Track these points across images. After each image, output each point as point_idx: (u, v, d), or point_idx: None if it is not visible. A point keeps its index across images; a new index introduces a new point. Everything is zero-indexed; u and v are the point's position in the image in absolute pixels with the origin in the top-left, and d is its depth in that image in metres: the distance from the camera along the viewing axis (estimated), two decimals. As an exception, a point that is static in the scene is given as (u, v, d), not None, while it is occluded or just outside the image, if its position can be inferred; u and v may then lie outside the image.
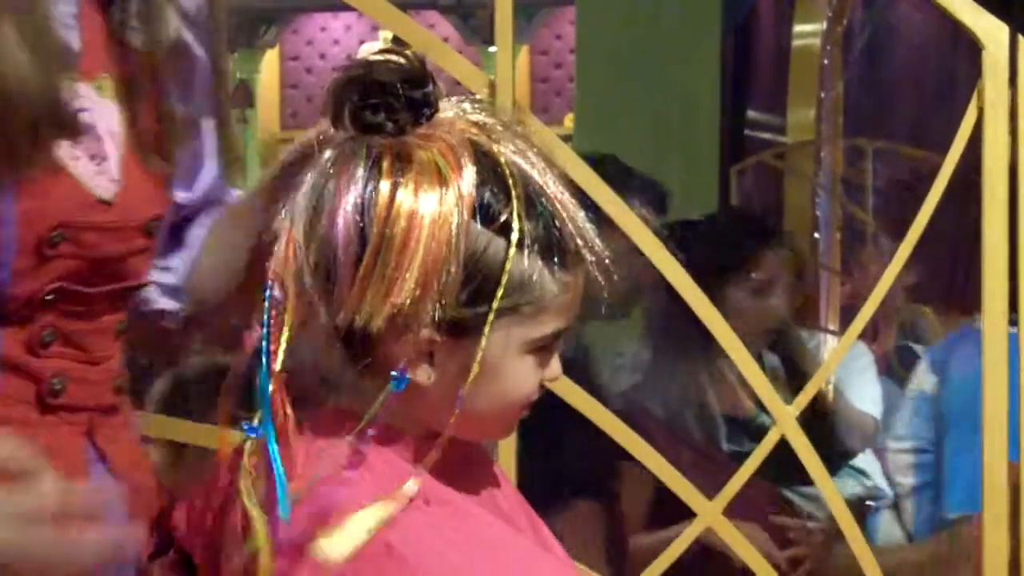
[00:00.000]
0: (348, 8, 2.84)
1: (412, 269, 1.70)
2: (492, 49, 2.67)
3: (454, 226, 1.71)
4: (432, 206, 1.70)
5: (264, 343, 1.78)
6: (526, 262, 1.76)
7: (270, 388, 1.75)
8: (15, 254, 1.84)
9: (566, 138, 3.16)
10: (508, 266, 1.75)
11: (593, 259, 1.81)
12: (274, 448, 1.74)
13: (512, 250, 1.74)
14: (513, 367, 1.82)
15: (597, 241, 1.82)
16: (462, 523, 1.82)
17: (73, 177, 1.88)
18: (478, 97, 1.86)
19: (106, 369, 2.02)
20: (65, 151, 1.86)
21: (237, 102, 10.18)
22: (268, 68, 11.06)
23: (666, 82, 5.05)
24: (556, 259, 1.79)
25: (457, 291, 1.73)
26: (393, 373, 1.76)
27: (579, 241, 1.80)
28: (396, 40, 2.68)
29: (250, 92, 10.97)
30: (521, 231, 1.74)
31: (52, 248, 1.86)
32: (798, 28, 6.83)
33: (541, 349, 1.83)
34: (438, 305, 1.72)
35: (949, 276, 6.75)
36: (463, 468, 1.91)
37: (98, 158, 1.91)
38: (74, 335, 1.94)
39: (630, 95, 5.00)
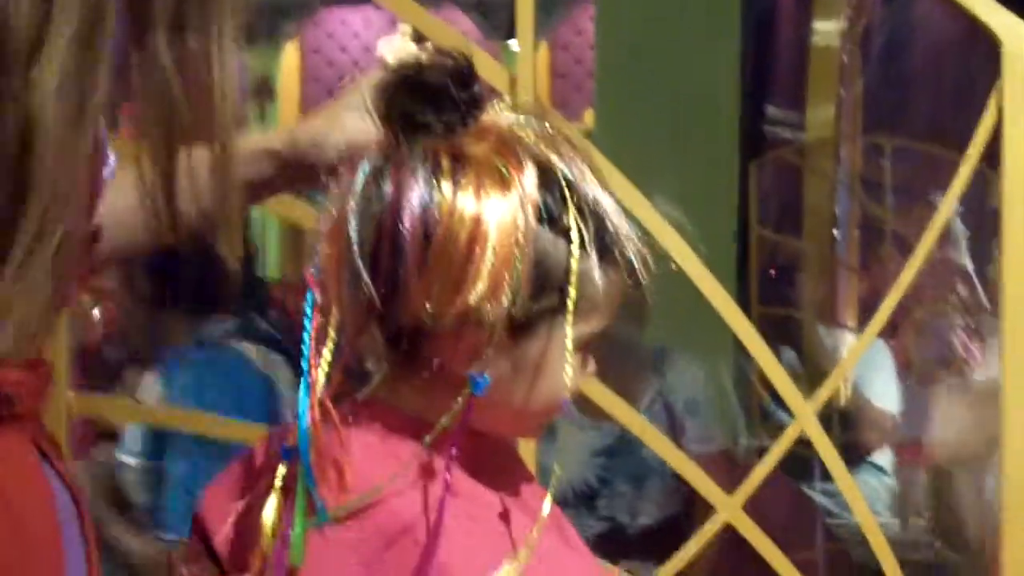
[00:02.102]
0: (368, 1, 2.85)
1: (482, 269, 1.70)
2: (512, 44, 2.66)
3: (522, 227, 1.71)
4: (497, 207, 1.71)
5: (305, 357, 1.78)
6: (587, 263, 1.77)
7: (310, 412, 1.76)
8: None
9: (586, 134, 3.15)
10: (575, 266, 1.75)
11: (635, 256, 1.82)
12: (309, 477, 1.74)
13: (576, 249, 1.75)
14: (564, 364, 1.81)
15: (636, 239, 1.83)
16: (491, 518, 1.83)
17: None
18: (506, 97, 1.86)
19: (45, 373, 2.02)
20: None
21: (258, 97, 10.20)
22: (288, 61, 11.07)
23: (686, 78, 5.05)
24: (608, 260, 1.80)
25: (526, 291, 1.74)
26: (471, 375, 1.75)
27: (622, 239, 1.81)
28: (416, 34, 2.68)
29: (270, 87, 11.01)
30: (580, 231, 1.75)
31: None
32: (818, 25, 6.83)
33: (585, 346, 1.84)
34: (513, 300, 1.72)
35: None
36: (498, 465, 1.92)
37: None
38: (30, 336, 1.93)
39: (650, 91, 5.00)
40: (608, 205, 1.80)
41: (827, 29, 6.57)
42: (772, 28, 7.62)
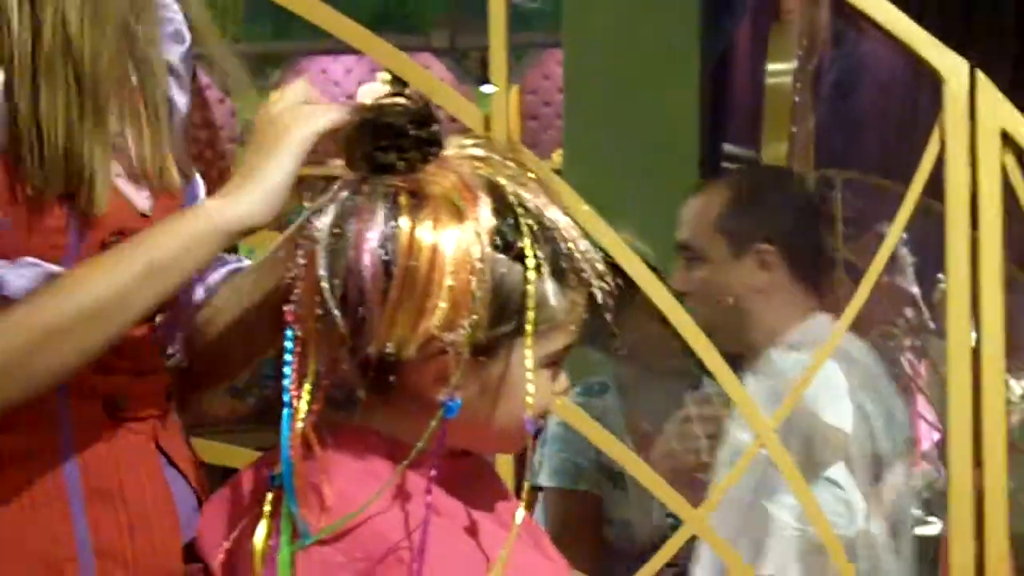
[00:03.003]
0: (348, 51, 2.86)
1: (441, 298, 1.72)
2: (484, 89, 2.67)
3: (478, 256, 1.73)
4: (453, 238, 1.72)
5: (286, 389, 1.80)
6: (542, 285, 1.78)
7: (292, 441, 1.78)
8: (81, 255, 1.91)
9: (556, 171, 3.16)
10: (531, 290, 1.76)
11: (596, 278, 1.83)
12: (292, 503, 1.76)
13: (531, 275, 1.76)
14: (535, 382, 1.82)
15: (598, 261, 1.84)
16: (470, 534, 1.84)
17: (122, 194, 1.94)
18: (475, 133, 1.88)
19: (159, 379, 2.07)
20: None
21: (244, 141, 10.19)
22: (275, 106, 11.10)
23: (647, 119, 5.07)
24: (564, 280, 1.81)
25: (485, 317, 1.75)
26: (442, 399, 1.77)
27: (582, 262, 1.82)
28: (395, 80, 2.69)
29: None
30: (536, 257, 1.76)
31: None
32: (771, 67, 6.83)
33: (553, 363, 1.86)
34: (470, 329, 1.74)
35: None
36: (473, 482, 1.92)
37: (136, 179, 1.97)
38: (127, 349, 1.96)
39: (615, 130, 5.02)
40: (566, 230, 1.81)
41: (780, 70, 6.57)
42: (728, 70, 7.64)
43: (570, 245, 1.81)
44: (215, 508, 1.90)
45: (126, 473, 1.97)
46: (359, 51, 2.77)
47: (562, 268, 1.80)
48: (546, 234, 1.79)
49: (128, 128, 1.98)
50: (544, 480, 3.97)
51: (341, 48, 3.87)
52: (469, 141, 1.83)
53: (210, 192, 2.09)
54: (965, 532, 2.62)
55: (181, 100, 2.15)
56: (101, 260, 1.86)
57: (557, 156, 5.33)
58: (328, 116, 1.84)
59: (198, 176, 2.22)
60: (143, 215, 1.97)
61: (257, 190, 1.85)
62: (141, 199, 1.98)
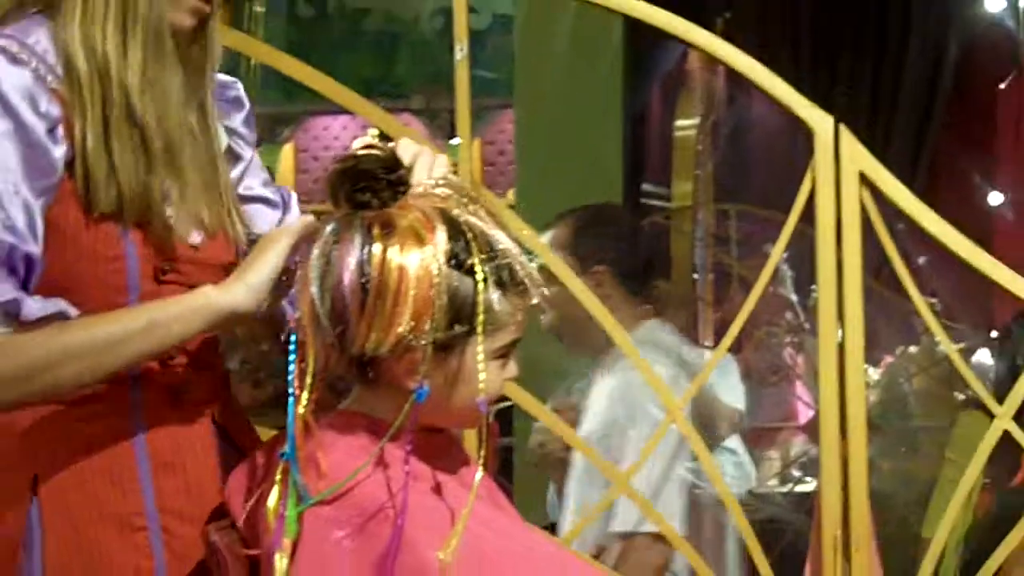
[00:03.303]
0: (344, 112, 2.86)
1: (407, 307, 1.73)
2: (452, 142, 2.67)
3: (435, 273, 1.74)
4: (416, 260, 1.74)
5: (290, 382, 1.81)
6: (488, 294, 1.79)
7: (297, 424, 1.79)
8: (140, 280, 1.91)
9: (510, 206, 3.16)
10: (480, 298, 1.77)
11: (533, 287, 1.85)
12: (296, 475, 1.78)
13: (480, 286, 1.77)
14: (487, 372, 1.83)
15: (535, 273, 1.86)
16: (441, 495, 1.83)
17: (176, 231, 1.94)
18: (443, 176, 1.88)
19: (217, 370, 2.08)
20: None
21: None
22: (285, 158, 11.05)
23: (582, 163, 5.07)
24: (507, 289, 1.82)
25: (443, 321, 1.76)
26: (413, 386, 1.79)
27: (522, 275, 1.83)
28: (382, 135, 2.71)
29: (272, 176, 11.00)
30: (483, 271, 1.77)
31: (163, 275, 1.93)
32: (679, 123, 6.82)
33: (502, 356, 1.86)
34: (431, 332, 1.75)
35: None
36: (443, 453, 1.92)
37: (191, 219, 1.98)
38: (185, 348, 1.97)
39: (555, 173, 5.03)
40: (509, 249, 1.82)
41: (686, 125, 6.56)
42: (645, 126, 7.65)
43: (511, 261, 1.82)
44: (238, 477, 1.89)
45: (185, 448, 1.98)
46: (353, 112, 2.78)
47: (505, 280, 1.82)
48: (492, 253, 1.80)
49: (188, 179, 1.98)
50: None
51: (338, 110, 3.87)
52: (432, 182, 1.84)
53: None
54: (833, 489, 2.61)
55: (246, 153, 2.18)
56: (119, 311, 1.88)
57: (510, 194, 5.34)
58: (301, 224, 1.88)
59: (293, 195, 2.28)
60: (192, 247, 1.97)
61: (243, 287, 1.87)
62: (194, 235, 1.97)
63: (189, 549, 1.93)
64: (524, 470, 4.82)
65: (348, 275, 1.74)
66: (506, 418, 4.89)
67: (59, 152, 1.86)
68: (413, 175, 1.83)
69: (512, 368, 1.89)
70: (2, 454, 1.95)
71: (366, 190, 1.78)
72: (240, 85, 2.20)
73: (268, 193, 2.21)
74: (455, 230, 1.78)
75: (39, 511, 1.91)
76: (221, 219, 2.02)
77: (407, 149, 1.86)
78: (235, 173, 2.14)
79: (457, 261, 1.77)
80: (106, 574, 1.91)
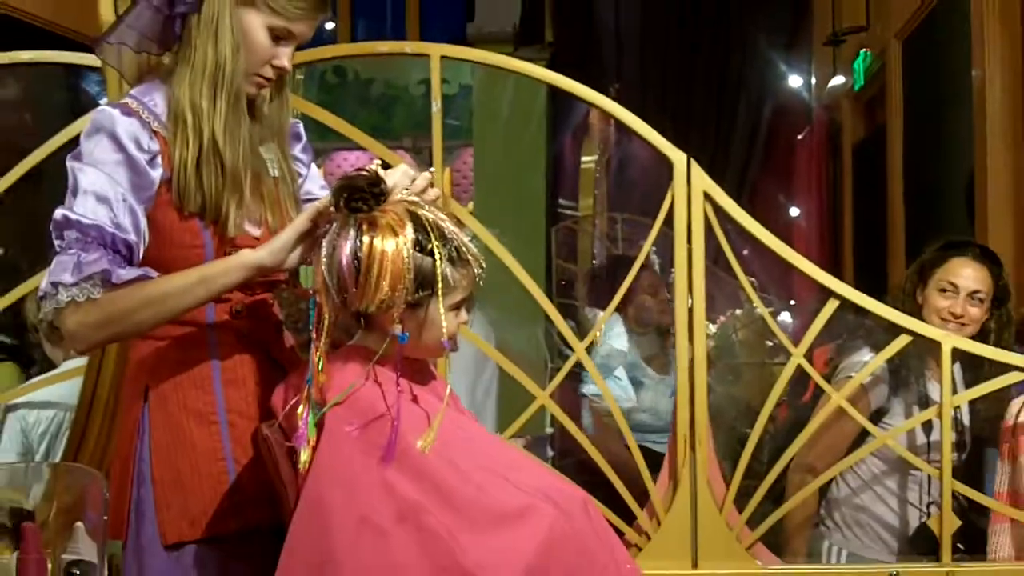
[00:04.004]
0: (358, 148, 2.85)
1: (386, 280, 1.77)
2: (431, 170, 2.66)
3: (405, 256, 1.78)
4: (392, 247, 1.78)
5: (313, 333, 1.84)
6: (443, 267, 1.81)
7: (316, 359, 1.82)
8: (212, 259, 1.96)
9: (471, 213, 3.18)
10: (439, 271, 1.81)
11: (476, 264, 1.88)
12: (312, 395, 1.81)
13: (438, 263, 1.80)
14: (444, 319, 1.84)
15: (476, 252, 1.89)
16: (420, 403, 1.85)
17: (242, 227, 1.99)
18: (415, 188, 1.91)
19: (271, 320, 2.08)
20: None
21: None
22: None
23: (519, 186, 5.08)
24: (456, 263, 1.84)
25: (411, 287, 1.79)
26: (396, 332, 1.82)
27: (467, 253, 1.86)
28: (384, 164, 2.68)
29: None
30: (439, 253, 1.81)
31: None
32: (584, 158, 6.83)
33: (456, 308, 1.88)
34: (404, 295, 1.78)
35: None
36: (421, 376, 1.94)
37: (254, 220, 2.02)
38: (248, 306, 2.02)
39: (501, 192, 5.03)
40: (457, 235, 1.86)
41: (588, 158, 6.57)
42: (561, 160, 7.64)
43: (459, 244, 1.85)
44: (280, 391, 1.91)
45: (247, 370, 2.02)
46: (364, 148, 2.77)
47: (454, 257, 1.84)
48: (445, 239, 1.83)
49: (245, 194, 1.99)
50: None
51: (354, 146, 3.85)
52: (406, 193, 1.86)
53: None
54: (684, 404, 2.61)
55: (303, 170, 2.20)
56: (181, 272, 1.91)
57: (471, 205, 5.33)
58: (314, 208, 1.88)
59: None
60: (255, 237, 2.00)
61: (267, 250, 1.90)
62: (253, 229, 2.01)
63: (245, 437, 1.97)
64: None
65: (345, 259, 1.78)
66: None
67: (156, 174, 1.92)
68: (394, 188, 1.85)
69: (464, 315, 1.92)
70: (130, 375, 2.02)
71: (358, 199, 1.80)
72: (300, 124, 2.22)
73: (323, 194, 2.18)
74: (419, 224, 1.82)
75: (148, 409, 1.95)
76: (282, 220, 2.05)
77: (392, 174, 1.88)
78: (299, 183, 2.18)
79: (421, 246, 1.81)
80: (191, 451, 1.95)
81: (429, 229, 1.82)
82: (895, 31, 6.34)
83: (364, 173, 1.82)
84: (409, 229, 1.80)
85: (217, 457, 1.96)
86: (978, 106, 4.67)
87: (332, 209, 1.83)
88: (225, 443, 1.97)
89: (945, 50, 5.40)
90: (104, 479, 2.06)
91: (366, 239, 1.78)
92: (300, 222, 1.89)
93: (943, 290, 2.95)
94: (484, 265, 1.91)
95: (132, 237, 1.87)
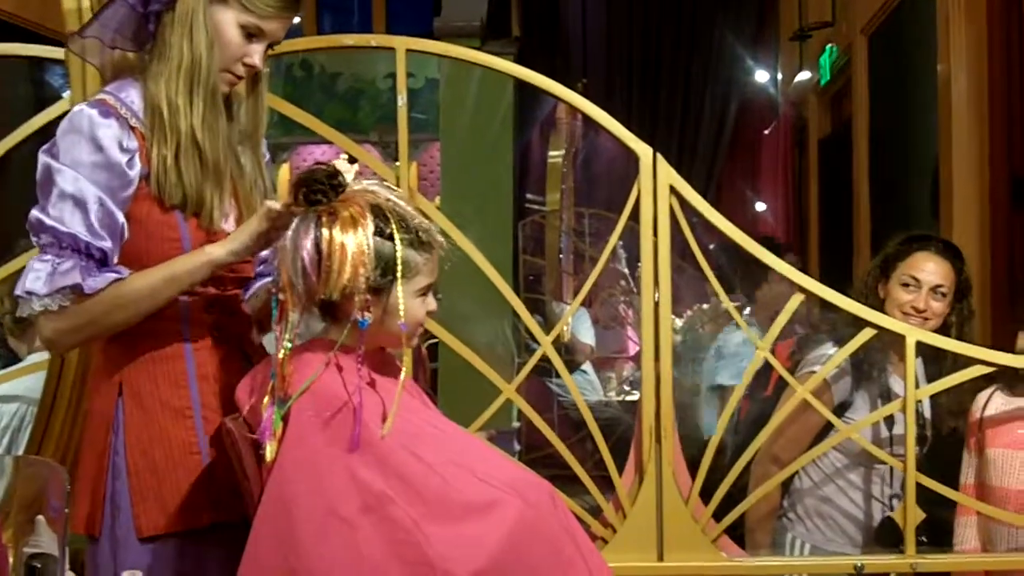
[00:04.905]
0: (325, 142, 2.84)
1: (346, 268, 1.79)
2: (397, 163, 2.66)
3: (366, 243, 1.80)
4: (351, 236, 1.80)
5: (276, 330, 1.86)
6: (405, 253, 1.83)
7: (279, 355, 1.83)
8: (189, 250, 1.98)
9: (437, 207, 3.18)
10: (399, 256, 1.83)
11: (438, 246, 1.90)
12: (276, 389, 1.82)
13: (399, 248, 1.82)
14: (411, 305, 1.86)
15: (438, 235, 1.91)
16: (380, 392, 1.86)
17: (215, 220, 2.02)
18: (374, 180, 1.93)
19: (241, 316, 2.12)
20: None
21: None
22: (283, 175, 10.97)
23: (486, 181, 5.06)
24: (418, 248, 1.86)
25: (373, 273, 1.81)
26: (357, 319, 1.83)
27: (429, 238, 1.88)
28: (350, 158, 2.70)
29: (274, 187, 10.83)
30: (400, 238, 1.83)
31: None
32: (551, 153, 6.85)
33: (422, 294, 1.89)
34: (366, 280, 1.80)
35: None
36: (383, 366, 1.95)
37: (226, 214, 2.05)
38: (220, 299, 2.05)
39: (468, 187, 5.01)
40: (418, 220, 1.88)
41: (555, 154, 6.59)
42: (528, 154, 7.66)
43: (419, 229, 1.87)
44: (245, 385, 1.92)
45: (219, 365, 2.04)
46: (331, 142, 2.76)
47: (414, 241, 1.86)
48: (405, 225, 1.85)
49: (225, 188, 2.02)
50: None
51: (321, 140, 3.85)
52: (367, 182, 1.90)
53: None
54: (650, 396, 2.61)
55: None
56: (149, 270, 1.94)
57: (437, 200, 5.33)
58: (263, 212, 1.91)
59: None
60: (227, 232, 2.02)
61: (226, 249, 1.95)
62: (228, 225, 2.04)
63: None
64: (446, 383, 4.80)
65: (307, 251, 1.80)
66: (434, 349, 4.90)
67: (135, 172, 1.94)
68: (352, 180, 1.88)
69: (431, 302, 1.93)
70: (100, 367, 2.04)
71: (317, 192, 1.82)
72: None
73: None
74: (380, 213, 1.84)
75: (122, 403, 1.96)
76: (249, 214, 2.07)
77: (345, 165, 1.91)
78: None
79: (382, 233, 1.82)
80: (166, 445, 1.97)
81: (389, 215, 1.84)
82: (861, 26, 6.38)
83: (321, 166, 1.84)
84: (370, 219, 1.82)
85: (192, 451, 1.98)
86: (943, 101, 4.70)
87: (292, 206, 1.84)
88: (200, 437, 2.00)
89: (910, 46, 5.44)
90: (65, 472, 2.06)
91: (326, 231, 1.80)
92: (257, 223, 1.93)
93: (905, 284, 2.96)
94: (446, 247, 1.93)
95: (107, 244, 1.90)
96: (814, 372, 2.80)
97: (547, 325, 5.61)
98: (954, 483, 2.85)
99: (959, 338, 2.82)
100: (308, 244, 1.80)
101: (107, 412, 1.98)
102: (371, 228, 1.81)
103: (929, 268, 2.97)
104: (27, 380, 3.01)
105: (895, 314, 2.92)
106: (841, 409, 2.94)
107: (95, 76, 2.25)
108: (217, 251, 1.94)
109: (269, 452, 1.78)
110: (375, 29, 8.52)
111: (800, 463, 2.79)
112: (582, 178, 7.89)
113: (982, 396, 2.91)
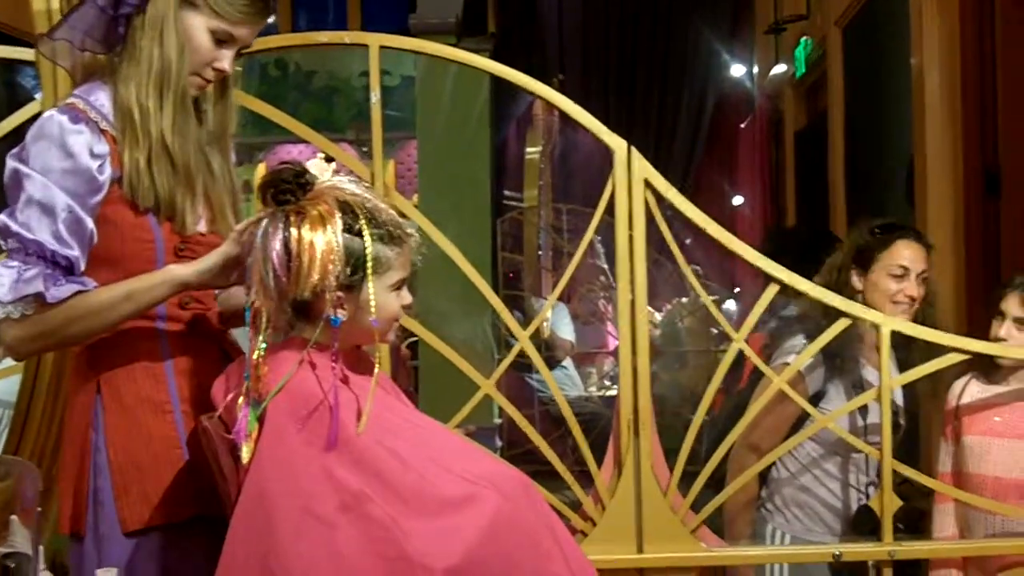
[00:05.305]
0: (301, 142, 2.84)
1: (316, 267, 1.78)
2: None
3: (335, 241, 1.80)
4: (320, 234, 1.79)
5: (250, 332, 1.86)
6: (375, 247, 1.83)
7: (254, 358, 1.84)
8: (164, 255, 1.99)
9: (415, 206, 3.17)
10: (369, 252, 1.83)
11: (407, 237, 1.90)
12: (251, 390, 1.82)
13: (368, 244, 1.82)
14: (385, 300, 1.86)
15: (409, 228, 1.91)
16: (355, 389, 1.85)
17: (188, 224, 2.02)
18: (343, 177, 1.93)
19: (216, 313, 2.11)
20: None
21: (244, 192, 9.98)
22: (259, 174, 10.94)
23: (464, 177, 5.06)
24: (388, 242, 1.86)
25: (344, 270, 1.81)
26: (329, 316, 1.83)
27: (399, 231, 1.88)
28: (327, 157, 2.70)
29: (250, 187, 10.79)
30: (369, 234, 1.83)
31: (181, 251, 2.01)
32: (528, 149, 6.87)
33: (397, 288, 1.89)
34: (337, 278, 1.80)
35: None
36: (358, 364, 1.94)
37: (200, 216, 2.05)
38: (197, 297, 2.06)
39: (446, 184, 5.02)
40: (389, 217, 1.87)
41: (533, 150, 6.60)
42: (505, 150, 7.66)
43: (389, 222, 1.87)
44: (220, 384, 1.92)
45: (197, 361, 2.05)
46: (308, 141, 2.77)
47: (385, 236, 1.85)
48: (376, 220, 1.85)
49: (197, 191, 2.03)
50: None
51: (297, 140, 3.84)
52: (336, 178, 1.89)
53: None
54: (628, 389, 2.62)
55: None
56: (112, 286, 1.94)
57: (415, 197, 5.32)
58: (239, 230, 1.92)
59: None
60: (201, 234, 2.04)
61: (194, 270, 1.95)
62: (201, 226, 2.04)
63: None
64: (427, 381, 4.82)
65: (277, 251, 1.80)
66: (415, 347, 4.91)
67: (106, 176, 1.95)
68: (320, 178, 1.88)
69: (406, 295, 1.93)
70: (78, 366, 2.05)
71: (284, 192, 1.82)
72: None
73: None
74: (348, 209, 1.83)
75: (101, 401, 1.97)
76: (225, 219, 2.09)
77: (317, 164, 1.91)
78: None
79: (351, 230, 1.82)
80: (148, 440, 1.99)
81: (358, 211, 1.84)
82: (835, 19, 6.41)
83: (287, 166, 1.85)
84: (338, 217, 1.82)
85: (173, 445, 2.00)
86: (916, 93, 4.73)
87: (259, 215, 1.85)
88: (180, 432, 2.01)
89: (884, 38, 5.47)
90: (38, 471, 2.07)
91: (294, 230, 1.80)
92: (227, 246, 1.93)
93: (895, 274, 2.97)
94: (418, 239, 1.93)
95: (73, 252, 1.91)
96: (787, 363, 2.81)
97: (526, 321, 5.61)
98: (922, 469, 2.86)
99: (923, 322, 2.84)
100: (277, 244, 1.80)
101: (87, 411, 1.99)
102: (340, 225, 1.81)
103: (913, 255, 2.99)
104: (2, 383, 2.99)
105: (883, 305, 2.93)
106: (815, 399, 2.96)
107: (66, 78, 2.25)
108: (181, 271, 1.95)
109: (245, 453, 1.79)
110: (351, 27, 8.51)
111: (776, 454, 2.81)
112: (560, 174, 7.91)
113: (958, 384, 2.93)
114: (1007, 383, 2.87)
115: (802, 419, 2.86)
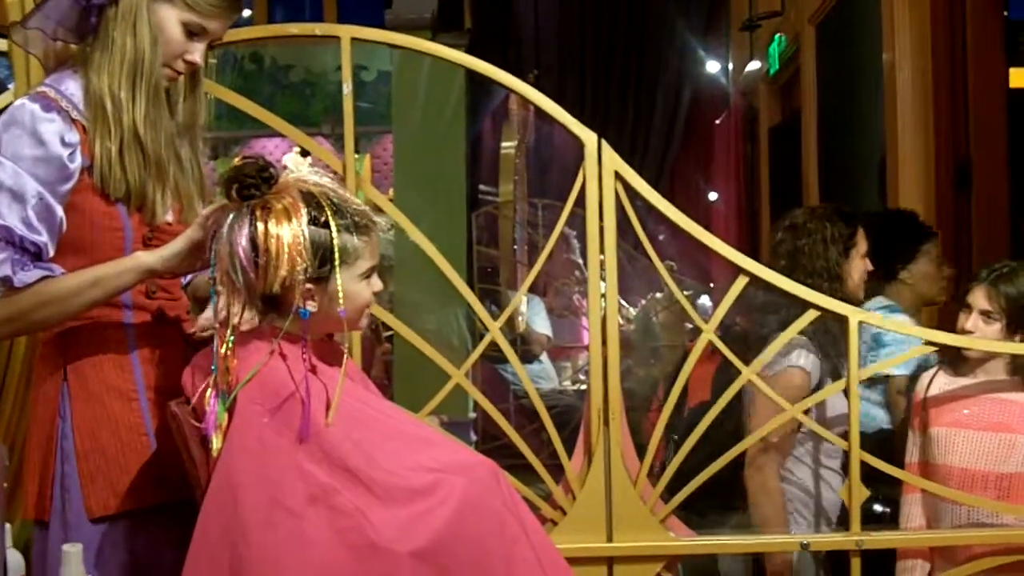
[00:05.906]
0: (277, 135, 2.83)
1: (283, 260, 1.78)
2: (357, 156, 2.66)
3: (301, 234, 1.80)
4: (286, 228, 1.79)
5: (217, 324, 1.85)
6: (342, 238, 1.84)
7: (221, 350, 1.83)
8: (133, 244, 2.01)
9: (390, 200, 3.19)
10: (336, 243, 1.83)
11: (374, 226, 1.91)
12: (218, 381, 1.82)
13: (334, 235, 1.82)
14: (356, 289, 1.87)
15: (376, 217, 1.92)
16: (325, 379, 1.86)
17: (157, 213, 2.04)
18: (310, 169, 1.94)
19: (183, 302, 2.14)
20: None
21: (218, 184, 9.91)
22: (236, 168, 10.90)
23: (439, 171, 5.06)
24: (355, 231, 1.87)
25: (312, 262, 1.81)
26: (299, 308, 1.83)
27: (365, 220, 1.89)
28: (303, 151, 2.71)
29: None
30: (335, 225, 1.83)
31: (149, 241, 2.03)
32: (504, 143, 6.85)
33: (367, 276, 1.90)
34: (305, 271, 1.80)
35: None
36: (329, 355, 1.95)
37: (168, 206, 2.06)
38: (163, 287, 2.07)
39: (421, 178, 5.01)
40: (355, 207, 1.88)
41: (508, 145, 6.58)
42: (480, 145, 7.67)
43: (355, 212, 1.87)
44: (190, 371, 1.92)
45: (162, 349, 2.06)
46: (284, 135, 2.77)
47: (351, 225, 1.86)
48: (341, 211, 1.85)
49: (167, 182, 2.03)
50: None
51: (273, 133, 3.84)
52: (303, 171, 1.89)
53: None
54: (598, 379, 2.63)
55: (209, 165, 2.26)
56: (79, 272, 1.95)
57: (391, 191, 5.31)
58: (204, 215, 1.92)
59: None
60: (168, 223, 2.06)
61: (159, 257, 1.96)
62: (169, 215, 2.06)
63: (164, 413, 1.98)
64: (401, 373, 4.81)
65: (243, 247, 1.80)
66: (389, 338, 4.90)
67: (76, 165, 1.95)
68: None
69: (376, 283, 1.94)
70: (45, 354, 2.05)
71: (248, 187, 1.82)
72: None
73: None
74: (313, 202, 1.83)
75: (68, 389, 1.98)
76: (193, 210, 2.09)
77: (292, 158, 1.92)
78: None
79: (316, 222, 1.82)
80: (114, 427, 2.00)
81: (323, 203, 1.84)
82: (809, 16, 6.45)
83: (250, 160, 1.85)
84: (303, 210, 1.82)
85: (139, 432, 2.01)
86: (888, 89, 4.77)
87: (224, 201, 1.85)
88: (146, 419, 2.03)
89: (857, 34, 5.51)
90: (5, 448, 2.08)
91: (260, 224, 1.80)
92: (192, 232, 1.94)
93: (865, 255, 3.20)
94: (385, 227, 1.95)
95: (42, 238, 1.91)
96: (789, 368, 2.93)
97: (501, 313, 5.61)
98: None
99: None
100: (243, 240, 1.80)
101: (53, 397, 2.00)
102: (305, 218, 1.81)
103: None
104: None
105: (861, 284, 3.18)
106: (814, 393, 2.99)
107: (39, 67, 2.25)
108: (147, 258, 1.96)
109: (215, 444, 1.80)
110: (326, 21, 8.50)
111: (753, 438, 2.78)
112: (535, 169, 7.92)
113: (926, 376, 2.96)
114: (974, 375, 2.90)
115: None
